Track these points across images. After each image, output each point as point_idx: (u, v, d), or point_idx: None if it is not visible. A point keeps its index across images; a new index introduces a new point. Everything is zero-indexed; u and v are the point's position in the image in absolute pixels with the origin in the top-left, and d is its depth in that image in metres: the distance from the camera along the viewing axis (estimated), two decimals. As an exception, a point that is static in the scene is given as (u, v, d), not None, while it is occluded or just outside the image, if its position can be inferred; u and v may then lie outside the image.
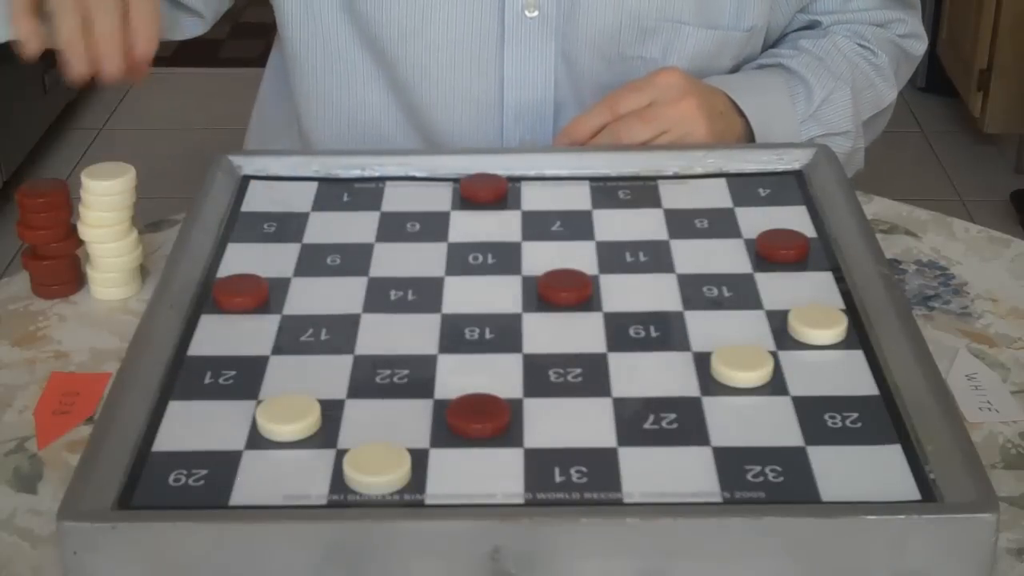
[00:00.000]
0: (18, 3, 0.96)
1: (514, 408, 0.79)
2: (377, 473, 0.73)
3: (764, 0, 1.19)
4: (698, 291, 0.91)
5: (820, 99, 1.17)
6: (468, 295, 0.91)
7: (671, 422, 0.78)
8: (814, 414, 0.78)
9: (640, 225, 0.99)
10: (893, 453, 0.75)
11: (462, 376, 0.82)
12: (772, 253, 0.94)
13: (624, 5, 1.15)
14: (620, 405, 0.79)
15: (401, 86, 1.19)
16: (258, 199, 1.04)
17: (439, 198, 1.03)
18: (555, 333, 0.86)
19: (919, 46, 1.28)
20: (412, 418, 0.78)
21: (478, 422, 0.76)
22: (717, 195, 1.03)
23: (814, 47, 1.20)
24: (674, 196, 1.03)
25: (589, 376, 0.82)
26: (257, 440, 0.76)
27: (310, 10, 1.18)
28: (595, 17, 1.15)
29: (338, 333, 0.87)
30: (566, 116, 1.18)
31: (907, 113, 3.20)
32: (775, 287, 0.91)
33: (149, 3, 0.96)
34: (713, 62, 1.19)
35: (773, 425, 0.77)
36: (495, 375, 0.82)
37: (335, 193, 1.04)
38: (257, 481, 0.74)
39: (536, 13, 1.15)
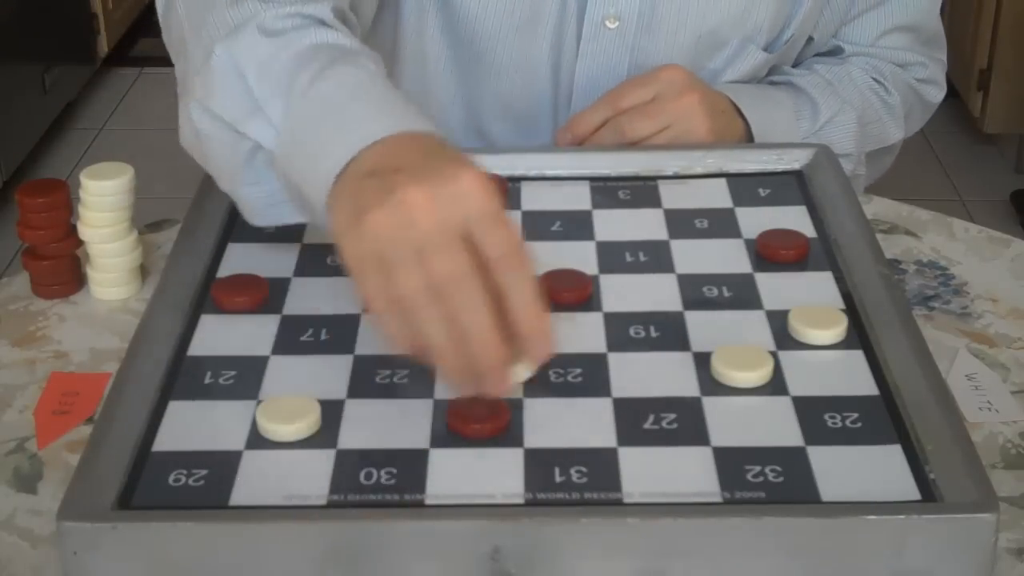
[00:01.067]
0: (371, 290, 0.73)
1: (514, 408, 0.79)
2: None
3: (812, 21, 1.19)
4: (698, 291, 0.91)
5: (825, 119, 1.17)
6: (468, 295, 0.91)
7: (671, 422, 0.78)
8: (814, 414, 0.78)
9: (640, 225, 0.99)
10: (893, 453, 0.75)
11: (462, 376, 0.82)
12: (772, 253, 0.94)
13: (705, 21, 1.14)
14: (620, 405, 0.79)
15: (479, 91, 1.18)
16: (258, 199, 1.03)
17: (439, 198, 1.03)
18: (555, 333, 0.86)
19: (937, 94, 1.28)
20: (412, 418, 0.78)
21: (478, 422, 0.76)
22: (717, 195, 1.03)
23: (828, 72, 1.20)
24: (674, 196, 1.03)
25: (589, 376, 0.82)
26: (257, 440, 0.76)
27: (418, 31, 1.17)
28: (674, 31, 1.15)
29: (338, 333, 0.87)
30: None
31: (907, 113, 3.20)
32: (775, 287, 0.91)
33: (530, 280, 0.73)
34: (757, 75, 1.20)
35: (773, 425, 0.77)
36: (495, 375, 0.82)
37: (335, 193, 1.04)
38: (257, 481, 0.74)
39: (616, 24, 1.14)
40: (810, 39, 1.22)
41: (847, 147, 1.19)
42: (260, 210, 0.87)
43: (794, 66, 1.24)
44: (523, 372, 0.76)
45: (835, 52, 1.25)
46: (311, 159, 0.78)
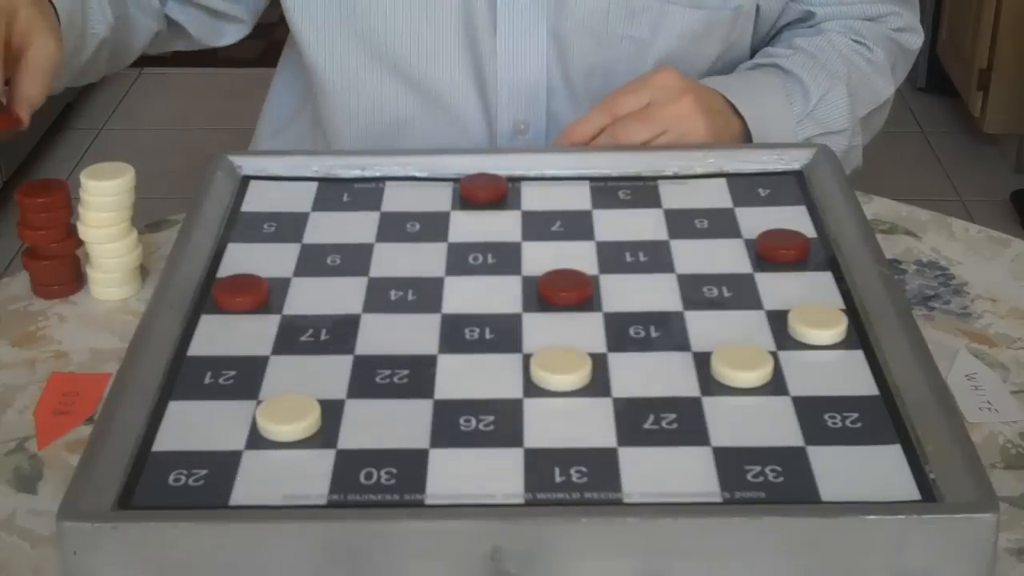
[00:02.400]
0: None
1: (515, 407, 0.79)
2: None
3: None
4: (698, 291, 0.91)
5: (816, 98, 1.17)
6: (468, 295, 0.91)
7: (671, 422, 0.78)
8: (814, 414, 0.78)
9: (640, 225, 0.99)
10: (893, 453, 0.75)
11: (462, 376, 0.82)
12: (772, 253, 0.94)
13: None
14: (620, 405, 0.79)
15: (408, 78, 1.20)
16: (258, 199, 1.04)
17: (439, 198, 1.03)
18: (555, 333, 0.86)
19: (915, 40, 1.28)
20: (412, 418, 0.78)
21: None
22: (717, 195, 1.03)
23: (809, 45, 1.20)
24: (674, 196, 1.03)
25: (589, 376, 0.82)
26: (257, 440, 0.76)
27: (321, 34, 1.20)
28: None
29: (338, 333, 0.87)
30: (558, 99, 1.19)
31: (907, 113, 3.20)
32: (775, 287, 0.91)
33: (48, 43, 0.96)
34: (700, 43, 1.19)
35: (773, 425, 0.77)
36: (495, 375, 0.82)
37: (335, 193, 1.04)
38: (257, 481, 0.74)
39: None
40: (759, 10, 1.22)
41: (842, 123, 1.19)
42: None
43: (772, 42, 1.24)
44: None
45: (807, 19, 1.24)
46: None
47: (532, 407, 0.79)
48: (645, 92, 1.09)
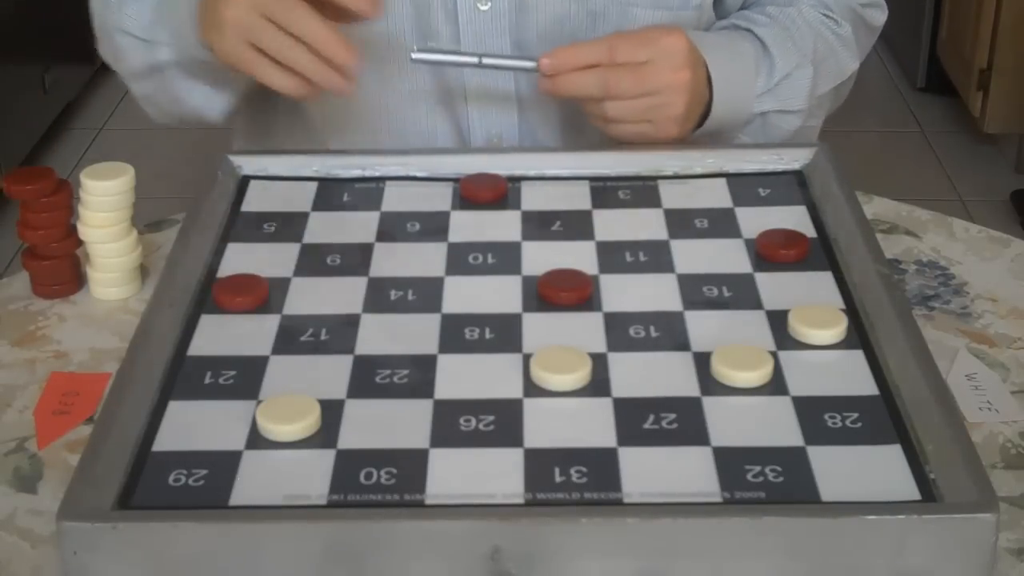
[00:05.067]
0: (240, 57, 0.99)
1: (515, 407, 0.79)
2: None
3: None
4: (698, 291, 0.91)
5: (781, 75, 1.15)
6: (468, 295, 0.91)
7: (671, 422, 0.78)
8: (814, 414, 0.78)
9: (640, 225, 0.99)
10: (893, 453, 0.75)
11: (462, 376, 0.82)
12: (772, 253, 0.94)
13: None
14: (620, 405, 0.79)
15: (374, 90, 1.17)
16: (258, 199, 1.04)
17: (439, 198, 1.03)
18: (555, 333, 0.86)
19: (879, 16, 1.27)
20: (412, 418, 0.78)
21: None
22: (717, 195, 1.03)
23: (781, 15, 1.18)
24: (674, 196, 1.03)
25: (589, 376, 0.82)
26: (257, 440, 0.76)
27: None
28: (545, 6, 1.15)
29: (338, 333, 0.87)
30: (529, 109, 1.17)
31: (907, 113, 3.20)
32: (775, 287, 0.91)
33: (318, 22, 0.97)
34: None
35: (773, 425, 0.77)
36: (495, 375, 0.82)
37: (335, 193, 1.04)
38: (257, 481, 0.74)
39: (488, 6, 1.14)
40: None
41: (799, 103, 1.17)
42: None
43: (744, 6, 1.23)
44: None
45: None
46: (183, 25, 1.08)
47: (532, 407, 0.79)
48: (650, 48, 1.06)
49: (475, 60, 1.08)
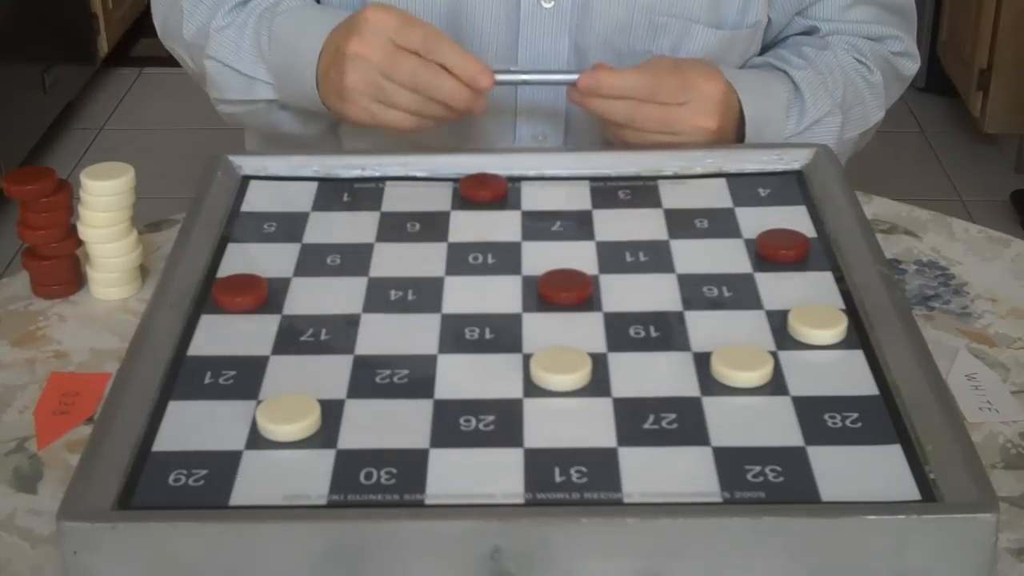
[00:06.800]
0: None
1: (515, 407, 0.79)
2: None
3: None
4: (698, 291, 0.91)
5: (811, 120, 1.16)
6: (468, 295, 0.91)
7: (671, 422, 0.78)
8: (814, 414, 0.78)
9: (640, 225, 0.99)
10: (893, 453, 0.75)
11: (462, 376, 0.82)
12: (772, 253, 0.94)
13: (637, 0, 1.15)
14: (620, 405, 0.79)
15: None
16: (258, 199, 1.04)
17: (439, 198, 1.03)
18: (555, 333, 0.86)
19: (911, 66, 1.28)
20: (412, 418, 0.78)
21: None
22: (717, 195, 1.03)
23: (817, 58, 1.20)
24: (674, 196, 1.03)
25: (589, 375, 0.82)
26: (257, 440, 0.76)
27: None
28: (609, 11, 1.15)
29: (338, 333, 0.87)
30: (576, 113, 1.18)
31: (907, 113, 3.20)
32: (775, 287, 0.91)
33: (450, 45, 1.03)
34: (720, 60, 1.19)
35: (773, 425, 0.77)
36: (495, 375, 0.82)
37: (335, 193, 1.04)
38: (257, 481, 0.74)
39: (552, 4, 1.15)
40: (769, 20, 1.22)
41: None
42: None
43: (779, 45, 1.24)
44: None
45: (811, 33, 1.24)
46: (299, 84, 1.12)
47: (532, 407, 0.79)
48: (688, 93, 1.07)
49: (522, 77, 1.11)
